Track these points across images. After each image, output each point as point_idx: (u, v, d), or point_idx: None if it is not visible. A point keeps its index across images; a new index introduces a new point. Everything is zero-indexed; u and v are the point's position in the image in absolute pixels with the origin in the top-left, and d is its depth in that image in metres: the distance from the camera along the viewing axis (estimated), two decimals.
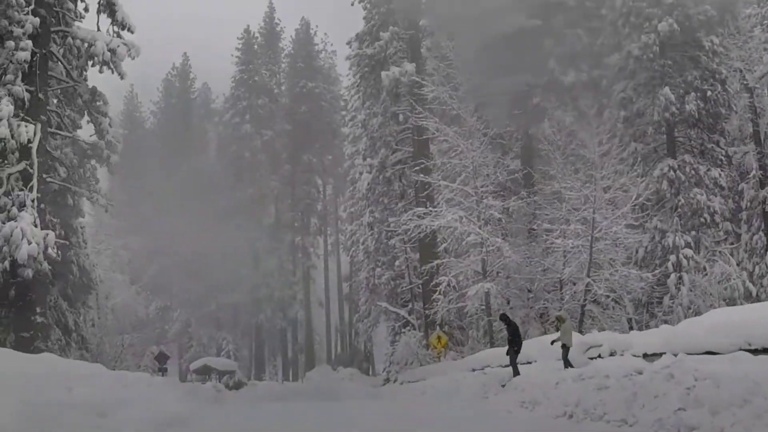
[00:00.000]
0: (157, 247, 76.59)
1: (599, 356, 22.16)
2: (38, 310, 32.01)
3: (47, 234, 28.72)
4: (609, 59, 39.00)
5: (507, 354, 24.07)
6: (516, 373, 23.38)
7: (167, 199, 76.67)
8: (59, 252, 35.58)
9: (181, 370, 71.30)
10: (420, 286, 48.36)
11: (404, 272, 50.70)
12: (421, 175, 37.39)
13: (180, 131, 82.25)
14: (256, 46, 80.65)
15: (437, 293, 34.31)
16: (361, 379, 62.32)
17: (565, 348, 22.16)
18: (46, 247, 28.61)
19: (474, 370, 29.17)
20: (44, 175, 32.29)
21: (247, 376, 70.30)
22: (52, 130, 34.83)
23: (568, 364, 21.61)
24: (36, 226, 28.54)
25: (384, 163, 49.42)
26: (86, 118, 36.11)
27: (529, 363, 24.56)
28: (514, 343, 23.83)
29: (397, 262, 50.56)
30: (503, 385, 23.23)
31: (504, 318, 24.77)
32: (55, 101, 37.34)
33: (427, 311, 44.44)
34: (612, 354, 21.76)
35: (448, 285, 33.80)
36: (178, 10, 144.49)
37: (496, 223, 34.72)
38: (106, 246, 58.19)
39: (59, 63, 35.07)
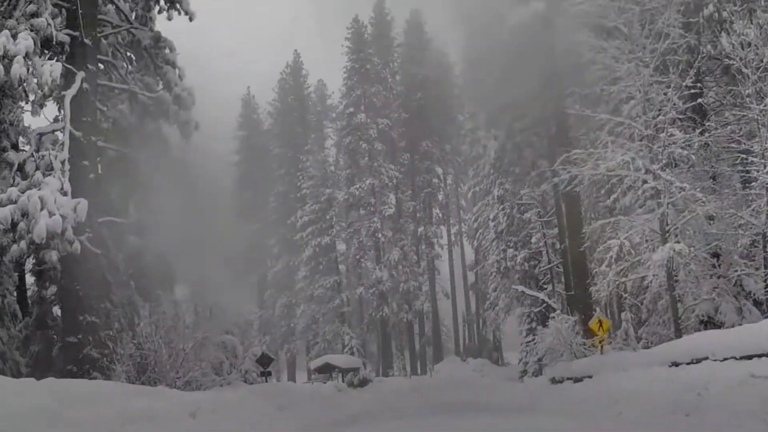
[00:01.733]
0: (280, 244, 69.57)
1: None
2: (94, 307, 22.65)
3: (78, 203, 19.03)
4: None
5: None
6: None
7: (286, 196, 70.21)
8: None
9: (309, 369, 62.15)
10: (560, 264, 37.81)
11: (541, 250, 39.98)
12: (577, 106, 26.09)
13: (297, 128, 73.79)
14: (366, 35, 70.82)
15: (603, 264, 22.93)
16: (493, 371, 53.57)
17: None
18: (77, 222, 18.97)
19: (676, 364, 17.99)
20: (94, 138, 22.91)
21: (375, 371, 61.17)
22: (112, 83, 25.51)
23: None
24: (65, 194, 19.02)
25: (511, 128, 38.95)
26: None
27: None
28: None
29: (533, 239, 39.86)
30: None
31: None
32: (126, 66, 28.20)
33: (571, 292, 34.06)
34: None
35: (621, 250, 22.43)
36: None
37: (680, 163, 23.34)
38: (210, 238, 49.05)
39: (115, 6, 25.91)
